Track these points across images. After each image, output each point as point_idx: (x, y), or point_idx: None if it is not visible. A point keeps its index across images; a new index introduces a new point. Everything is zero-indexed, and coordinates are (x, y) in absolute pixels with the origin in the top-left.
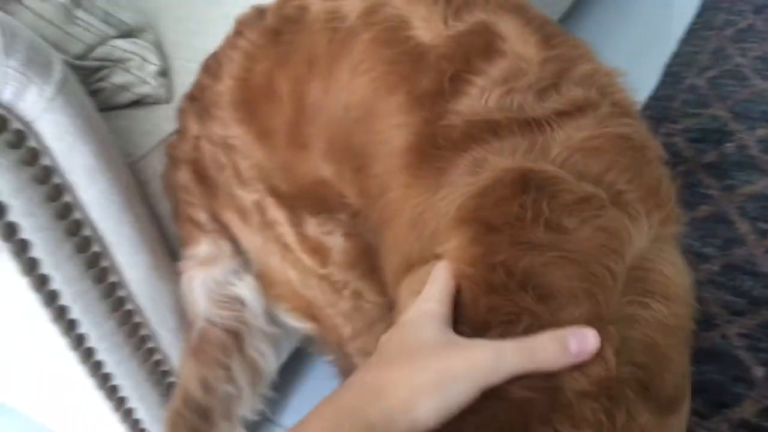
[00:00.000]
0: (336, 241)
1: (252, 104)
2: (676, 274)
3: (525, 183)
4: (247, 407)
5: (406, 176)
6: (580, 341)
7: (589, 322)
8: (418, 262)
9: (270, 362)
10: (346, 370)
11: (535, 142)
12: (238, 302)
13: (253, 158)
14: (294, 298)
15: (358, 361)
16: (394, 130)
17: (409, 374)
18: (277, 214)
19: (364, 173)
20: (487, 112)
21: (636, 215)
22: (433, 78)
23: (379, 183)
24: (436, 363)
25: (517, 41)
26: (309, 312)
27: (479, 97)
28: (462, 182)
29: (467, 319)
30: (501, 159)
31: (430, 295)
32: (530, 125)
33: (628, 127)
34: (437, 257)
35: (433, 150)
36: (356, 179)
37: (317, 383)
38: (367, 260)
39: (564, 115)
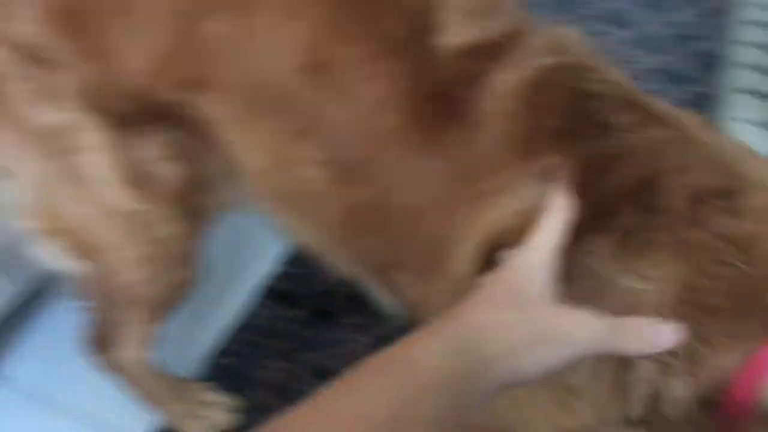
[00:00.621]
0: (166, 168)
1: (85, 15)
2: None
3: (559, 74)
4: None
5: (411, 130)
6: (662, 334)
7: None
8: (474, 196)
9: None
10: (104, 319)
11: (528, 46)
12: None
13: (78, 75)
14: (75, 235)
15: (120, 311)
16: (371, 82)
17: (523, 323)
18: (92, 137)
19: (312, 138)
20: (475, 38)
21: None
22: (398, 17)
23: (361, 144)
24: (550, 319)
25: None
26: (89, 252)
27: (459, 27)
28: (496, 110)
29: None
30: (517, 72)
31: (540, 244)
32: (515, 39)
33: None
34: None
35: (438, 90)
36: (289, 142)
37: (44, 334)
38: (194, 198)
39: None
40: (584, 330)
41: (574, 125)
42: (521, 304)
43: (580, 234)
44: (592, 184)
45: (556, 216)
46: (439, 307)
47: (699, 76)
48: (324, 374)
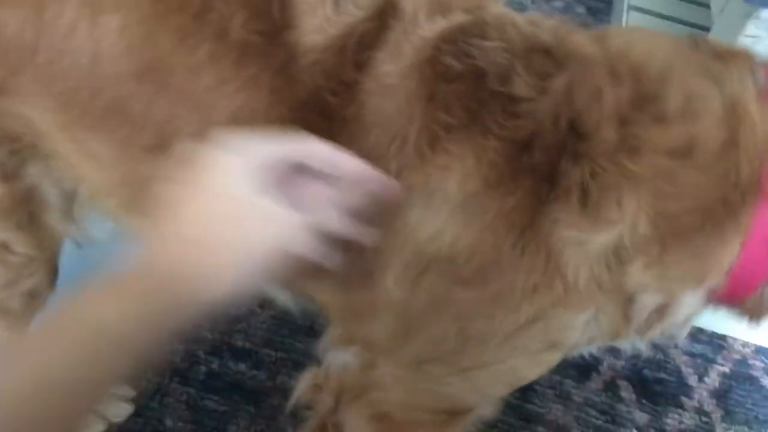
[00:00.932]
0: None
1: None
2: None
3: (448, 47)
4: None
5: None
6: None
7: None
8: None
9: None
10: None
11: (405, 15)
12: None
13: None
14: None
15: None
16: (221, 92)
17: (216, 249)
18: None
19: (167, 156)
20: (336, 27)
21: None
22: (241, 9)
23: None
24: (241, 236)
25: None
26: None
27: (314, 13)
28: (388, 110)
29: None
30: (401, 58)
31: (249, 150)
32: (388, 8)
33: None
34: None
35: (310, 99)
36: (138, 159)
37: None
38: (25, 209)
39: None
40: (267, 227)
41: (478, 111)
42: (217, 223)
43: (542, 209)
44: (525, 163)
45: (295, 137)
46: (367, 313)
47: None
48: (225, 353)
